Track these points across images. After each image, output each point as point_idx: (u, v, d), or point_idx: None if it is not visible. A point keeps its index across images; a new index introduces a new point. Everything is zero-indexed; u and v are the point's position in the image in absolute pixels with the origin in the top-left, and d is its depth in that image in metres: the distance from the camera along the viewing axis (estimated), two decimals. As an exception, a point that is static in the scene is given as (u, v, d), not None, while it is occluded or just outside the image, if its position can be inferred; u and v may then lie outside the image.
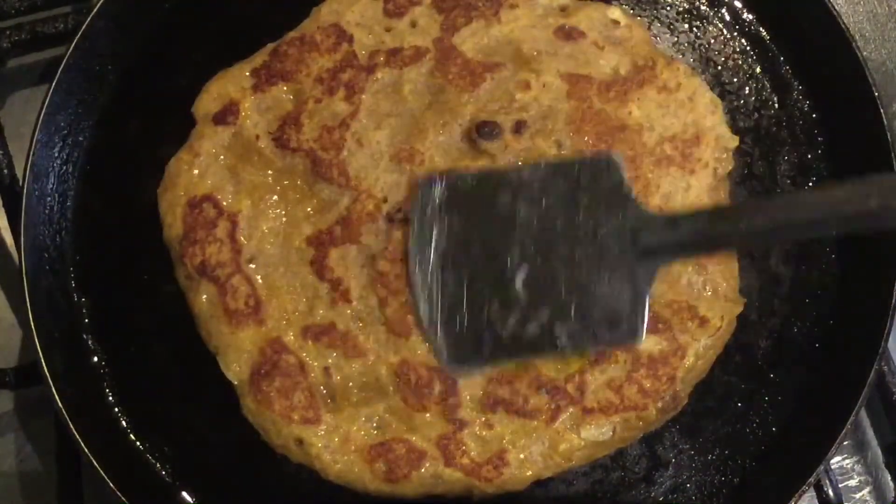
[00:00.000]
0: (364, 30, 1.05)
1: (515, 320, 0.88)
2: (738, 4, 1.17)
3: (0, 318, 1.20)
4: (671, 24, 1.16)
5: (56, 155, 1.09)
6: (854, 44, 1.09)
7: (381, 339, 0.99)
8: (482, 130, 1.00)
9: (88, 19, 1.08)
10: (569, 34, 1.05)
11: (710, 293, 1.00)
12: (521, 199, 0.88)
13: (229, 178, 1.03)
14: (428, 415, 0.98)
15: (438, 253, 0.90)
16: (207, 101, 1.05)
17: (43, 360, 1.01)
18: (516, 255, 0.88)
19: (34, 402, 1.18)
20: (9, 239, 1.18)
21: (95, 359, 1.08)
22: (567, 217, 0.87)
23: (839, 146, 1.14)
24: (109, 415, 1.08)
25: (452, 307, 0.89)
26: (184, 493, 1.06)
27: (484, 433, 0.98)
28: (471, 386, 0.98)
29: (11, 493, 1.18)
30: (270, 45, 1.06)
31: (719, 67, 1.16)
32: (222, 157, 1.03)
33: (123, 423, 1.07)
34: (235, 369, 1.00)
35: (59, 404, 1.01)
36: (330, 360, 0.99)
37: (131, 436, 1.07)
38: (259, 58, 1.05)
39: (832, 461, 1.12)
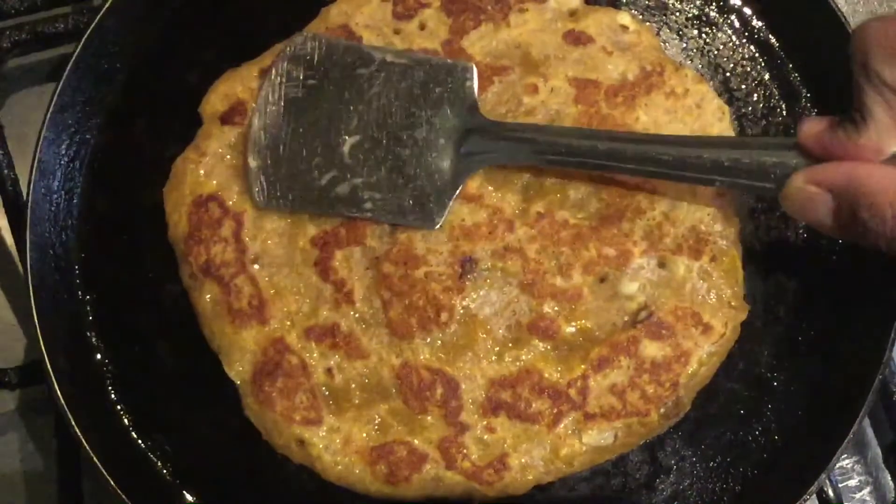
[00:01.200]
0: (373, 31, 1.05)
1: (331, 177, 1.01)
2: (748, 11, 1.16)
3: (1, 318, 1.21)
4: (680, 29, 1.16)
5: (63, 153, 1.10)
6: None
7: (384, 341, 0.99)
8: None
9: (98, 17, 1.08)
10: (577, 38, 1.05)
11: (714, 300, 1.00)
12: (377, 77, 1.02)
13: (235, 178, 1.03)
14: (429, 417, 0.98)
15: (287, 98, 1.02)
16: (215, 101, 1.05)
17: (46, 357, 1.02)
18: (353, 124, 1.01)
19: (35, 402, 1.19)
20: (9, 239, 1.18)
21: (98, 356, 1.09)
22: (411, 103, 1.01)
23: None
24: (111, 413, 1.08)
25: (279, 149, 1.01)
26: (185, 493, 1.06)
27: (485, 437, 0.98)
28: (473, 389, 0.98)
29: (12, 492, 1.18)
30: (279, 46, 1.06)
31: (728, 74, 1.15)
32: (228, 156, 1.03)
33: (125, 421, 1.08)
34: (238, 369, 1.00)
35: (61, 401, 1.01)
36: (332, 362, 0.99)
37: (133, 434, 1.07)
38: (268, 58, 1.05)
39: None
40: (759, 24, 1.16)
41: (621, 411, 0.98)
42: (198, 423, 1.07)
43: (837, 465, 1.19)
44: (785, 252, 1.12)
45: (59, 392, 1.01)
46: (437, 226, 0.99)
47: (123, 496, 1.00)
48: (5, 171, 1.16)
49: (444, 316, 0.98)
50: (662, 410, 0.99)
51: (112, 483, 1.00)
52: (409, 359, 0.98)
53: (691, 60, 1.15)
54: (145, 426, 1.08)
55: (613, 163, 0.95)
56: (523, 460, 0.98)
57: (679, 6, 1.17)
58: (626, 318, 1.00)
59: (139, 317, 1.09)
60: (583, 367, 0.98)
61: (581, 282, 0.99)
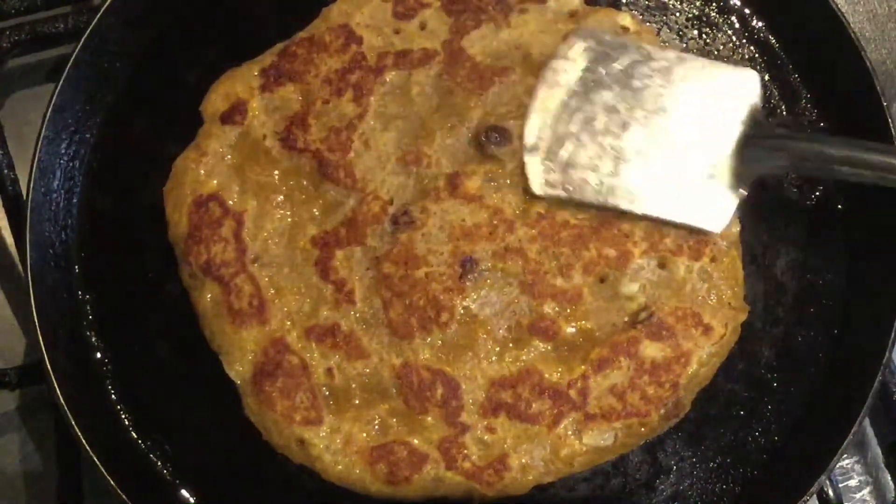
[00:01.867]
0: (373, 31, 1.05)
1: (608, 171, 1.00)
2: (748, 11, 1.17)
3: (1, 317, 1.21)
4: (680, 30, 1.16)
5: (63, 152, 1.10)
6: (864, 53, 1.09)
7: (384, 341, 0.99)
8: (491, 135, 1.01)
9: (98, 16, 1.08)
10: None
11: (714, 301, 1.00)
12: (656, 75, 1.02)
13: (235, 178, 1.03)
14: (430, 418, 0.98)
15: (569, 87, 1.02)
16: (216, 100, 1.05)
17: (46, 357, 1.01)
18: (633, 117, 1.01)
19: (35, 402, 1.19)
20: (9, 238, 1.18)
21: (98, 356, 1.09)
22: (690, 105, 1.01)
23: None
24: (111, 412, 1.08)
25: (558, 141, 1.01)
26: (183, 492, 1.06)
27: (486, 437, 0.98)
28: (473, 390, 0.98)
29: (12, 492, 1.18)
30: (280, 45, 1.06)
31: None
32: (229, 156, 1.04)
33: (125, 421, 1.08)
34: (238, 369, 1.00)
35: (61, 400, 1.01)
36: (333, 361, 0.99)
37: (133, 434, 1.08)
38: (268, 57, 1.06)
39: None
40: (759, 24, 1.16)
41: (621, 412, 0.98)
42: (198, 423, 1.07)
43: (837, 465, 1.19)
44: (785, 253, 1.12)
45: (59, 392, 1.01)
46: (720, 229, 1.00)
47: (123, 496, 1.00)
48: (5, 171, 1.16)
49: (444, 316, 0.98)
50: (662, 411, 0.99)
51: (111, 482, 1.00)
52: (409, 359, 0.98)
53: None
54: (145, 426, 1.08)
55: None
56: (523, 461, 0.98)
57: (679, 6, 1.17)
58: (626, 319, 1.00)
59: (139, 317, 1.09)
60: (583, 367, 0.98)
61: (581, 282, 1.00)
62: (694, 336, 1.00)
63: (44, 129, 1.06)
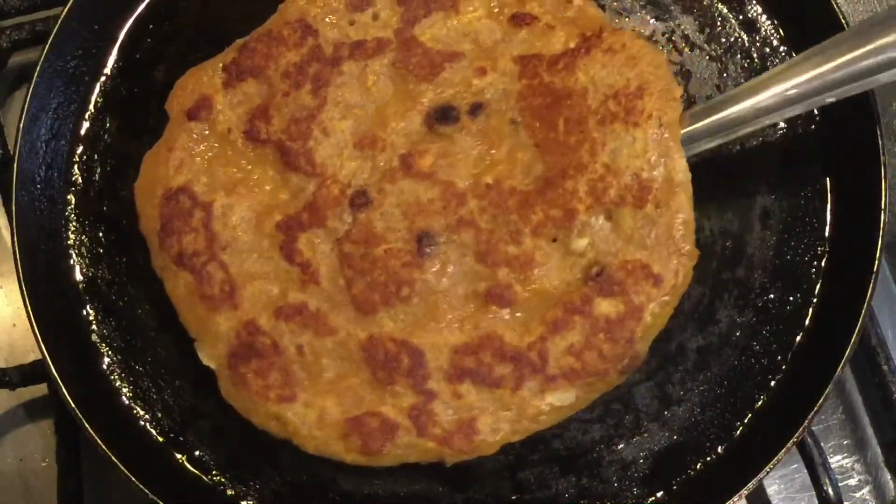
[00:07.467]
0: (328, 24, 1.08)
1: None
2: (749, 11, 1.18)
3: (1, 317, 1.24)
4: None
5: (40, 162, 1.13)
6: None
7: (350, 317, 1.02)
8: (440, 115, 1.04)
9: (59, 22, 1.11)
10: (522, 20, 1.07)
11: (662, 248, 1.01)
12: None
13: (204, 171, 1.06)
14: (398, 387, 1.01)
15: None
16: (181, 97, 1.08)
17: (48, 357, 1.05)
18: None
19: (35, 402, 1.21)
20: (9, 239, 1.17)
21: (98, 355, 1.12)
22: None
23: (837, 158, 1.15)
24: (122, 410, 1.11)
25: None
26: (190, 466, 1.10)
27: (453, 403, 1.01)
28: (438, 358, 1.01)
29: (11, 492, 1.21)
30: (239, 41, 1.09)
31: (726, 74, 1.17)
32: (196, 150, 1.07)
33: (135, 416, 1.11)
34: (212, 354, 1.04)
35: (71, 404, 1.04)
36: (303, 339, 1.02)
37: (148, 428, 1.11)
38: (229, 54, 1.09)
39: (832, 460, 1.18)
40: (760, 24, 1.18)
41: (581, 372, 1.00)
42: (204, 414, 1.11)
43: (837, 465, 1.21)
44: (751, 177, 1.15)
45: (66, 392, 1.04)
46: None
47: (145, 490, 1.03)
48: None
49: (405, 290, 1.01)
50: (619, 367, 1.01)
51: (134, 480, 1.03)
52: (374, 332, 1.01)
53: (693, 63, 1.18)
54: (155, 422, 1.11)
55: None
56: (491, 423, 1.01)
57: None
58: (579, 276, 1.01)
59: (138, 313, 1.13)
60: (541, 328, 1.00)
61: (532, 246, 1.01)
62: (645, 289, 1.00)
63: (19, 140, 1.09)
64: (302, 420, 1.01)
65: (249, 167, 1.06)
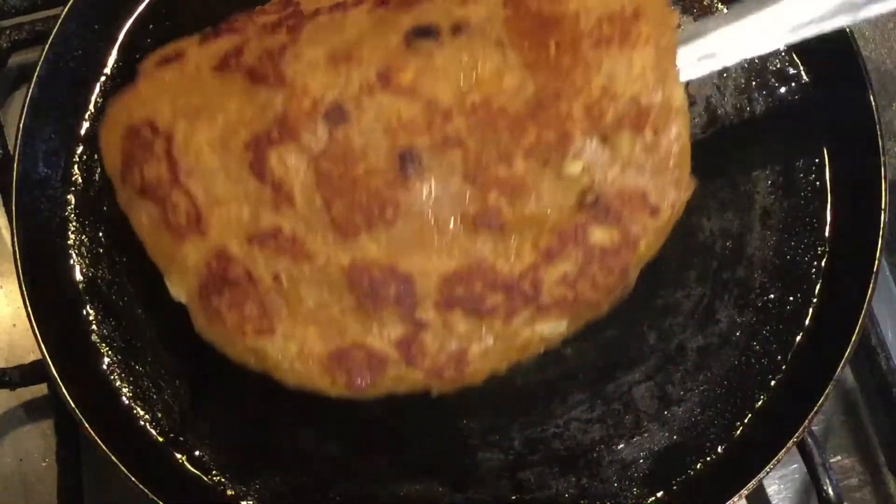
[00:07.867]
0: None
1: None
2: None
3: (1, 317, 1.24)
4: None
5: (40, 162, 1.14)
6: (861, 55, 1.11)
7: (330, 240, 0.95)
8: (419, 31, 0.98)
9: (59, 22, 1.12)
10: None
11: (659, 177, 0.97)
12: None
13: (168, 104, 1.00)
14: (385, 316, 0.95)
15: None
16: (154, 57, 1.04)
17: (48, 356, 1.05)
18: None
19: (35, 402, 1.21)
20: (9, 239, 1.17)
21: (99, 355, 1.12)
22: None
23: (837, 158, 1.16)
24: (122, 410, 1.11)
25: None
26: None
27: (444, 333, 0.96)
28: (427, 286, 0.95)
29: (11, 492, 1.20)
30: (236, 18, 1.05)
31: (725, 74, 1.18)
32: (163, 90, 1.01)
33: (136, 417, 1.11)
34: (182, 287, 0.98)
35: (71, 403, 1.04)
36: (279, 266, 0.95)
37: (147, 427, 1.11)
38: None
39: (832, 460, 1.17)
40: None
41: (573, 302, 0.96)
42: (207, 414, 1.11)
43: (837, 465, 1.19)
44: (751, 177, 1.16)
45: (66, 393, 1.04)
46: None
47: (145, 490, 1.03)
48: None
49: (388, 211, 0.95)
50: (611, 297, 0.98)
51: (134, 480, 1.03)
52: (357, 257, 0.95)
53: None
54: (155, 422, 1.11)
55: None
56: (480, 354, 0.96)
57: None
58: (572, 202, 0.97)
59: (138, 312, 1.13)
60: (533, 256, 0.96)
61: (524, 168, 0.96)
62: (642, 219, 0.97)
63: (19, 142, 1.09)
64: (282, 353, 0.95)
65: (214, 93, 1.00)
